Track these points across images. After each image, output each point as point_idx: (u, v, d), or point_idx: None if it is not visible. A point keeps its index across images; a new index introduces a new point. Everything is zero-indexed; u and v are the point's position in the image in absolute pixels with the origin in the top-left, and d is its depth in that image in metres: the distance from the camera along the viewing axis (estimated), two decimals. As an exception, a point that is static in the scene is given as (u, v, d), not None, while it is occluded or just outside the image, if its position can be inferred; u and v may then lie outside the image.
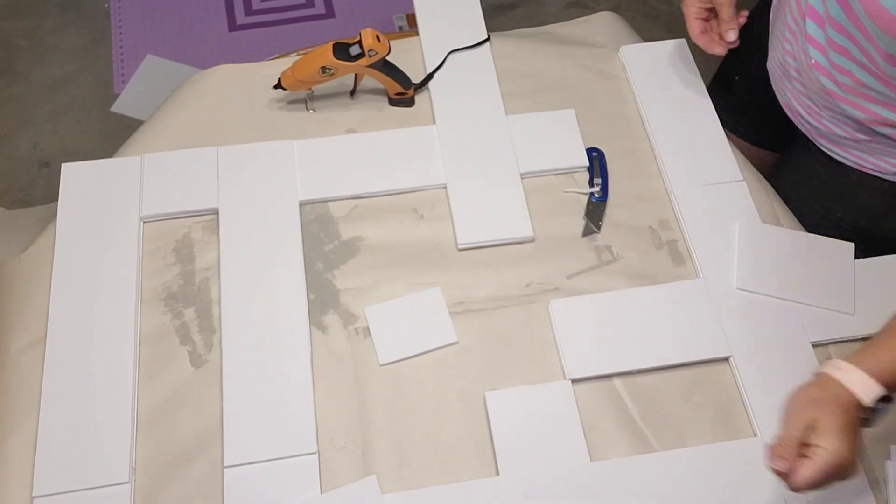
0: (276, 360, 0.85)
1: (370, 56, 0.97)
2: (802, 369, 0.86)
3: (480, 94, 1.05)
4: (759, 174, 1.03)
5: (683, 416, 0.85)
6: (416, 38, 1.12)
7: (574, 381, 0.85)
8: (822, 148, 0.97)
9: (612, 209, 0.98)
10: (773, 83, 1.01)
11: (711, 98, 1.06)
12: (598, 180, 1.00)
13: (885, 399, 0.70)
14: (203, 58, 1.95)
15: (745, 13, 0.98)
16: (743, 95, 1.13)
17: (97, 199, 0.95)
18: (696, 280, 0.93)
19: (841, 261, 0.94)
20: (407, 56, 1.10)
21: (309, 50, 1.13)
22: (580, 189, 1.00)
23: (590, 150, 1.02)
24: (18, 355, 0.86)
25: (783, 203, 1.01)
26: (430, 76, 1.06)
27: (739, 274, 0.92)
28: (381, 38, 0.96)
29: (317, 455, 0.80)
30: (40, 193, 1.67)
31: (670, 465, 0.81)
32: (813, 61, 0.87)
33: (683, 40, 1.11)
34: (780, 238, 0.95)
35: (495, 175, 0.99)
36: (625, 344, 0.88)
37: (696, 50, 1.03)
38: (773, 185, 1.02)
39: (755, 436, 0.83)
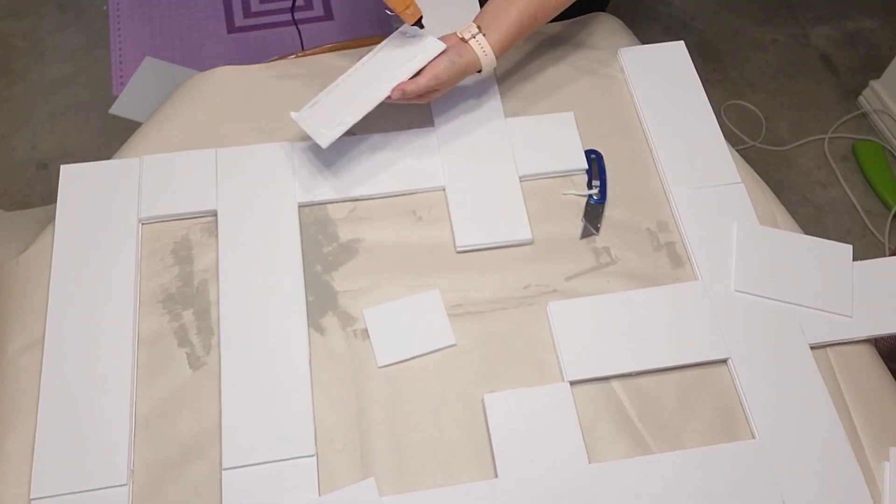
0: (274, 362, 0.85)
1: None
2: (801, 371, 0.87)
3: (479, 96, 1.06)
4: (756, 176, 1.03)
5: (681, 418, 0.85)
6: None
7: (572, 383, 0.85)
8: None
9: (611, 211, 0.99)
10: None
11: None
12: (596, 182, 1.00)
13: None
14: (202, 60, 1.95)
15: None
16: None
17: (96, 200, 0.95)
18: (695, 282, 0.93)
19: (839, 263, 0.94)
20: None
21: (309, 51, 1.14)
22: (579, 191, 1.00)
23: (588, 153, 1.02)
24: (16, 356, 0.86)
25: (781, 205, 1.02)
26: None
27: (738, 276, 0.92)
28: None
29: (315, 457, 0.80)
30: (38, 195, 1.67)
31: (669, 467, 0.81)
32: None
33: (682, 42, 1.12)
34: (779, 240, 0.96)
35: (494, 178, 0.99)
36: (623, 346, 0.88)
37: (694, 52, 1.04)
38: None
39: (753, 438, 0.83)
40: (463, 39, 0.96)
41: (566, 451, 0.81)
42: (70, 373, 0.84)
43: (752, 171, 1.04)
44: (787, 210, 1.02)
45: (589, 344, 0.88)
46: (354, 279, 0.92)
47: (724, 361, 0.88)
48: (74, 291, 0.89)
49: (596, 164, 1.01)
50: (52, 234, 0.93)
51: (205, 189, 0.96)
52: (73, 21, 1.96)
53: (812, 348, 0.88)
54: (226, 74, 1.08)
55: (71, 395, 0.83)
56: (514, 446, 0.81)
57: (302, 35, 1.43)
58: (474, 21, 0.97)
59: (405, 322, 0.89)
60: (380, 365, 0.87)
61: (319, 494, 0.79)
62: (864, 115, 1.82)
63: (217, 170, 0.98)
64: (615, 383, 0.87)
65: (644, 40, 1.16)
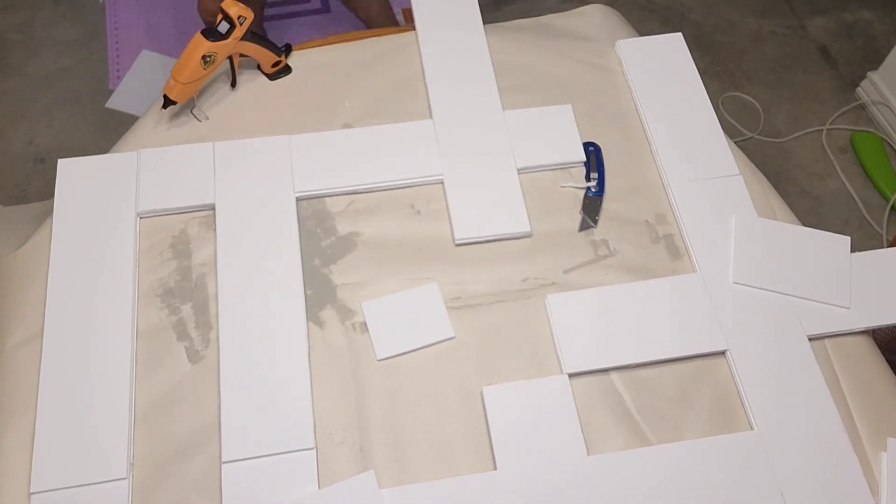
0: (273, 356, 0.85)
1: (241, 23, 0.97)
2: (799, 363, 0.87)
3: (477, 89, 1.05)
4: (754, 168, 1.03)
5: (680, 409, 0.85)
6: (412, 32, 1.12)
7: (571, 375, 0.85)
8: None
9: (609, 203, 0.99)
10: None
11: None
12: (594, 175, 1.00)
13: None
14: (198, 53, 1.94)
15: None
16: None
17: (93, 194, 0.95)
18: (693, 274, 0.93)
19: (837, 255, 0.94)
20: (404, 50, 1.10)
21: (306, 44, 1.13)
22: (577, 184, 1.00)
23: (586, 145, 1.02)
24: (15, 351, 0.86)
25: (779, 197, 1.02)
26: (288, 45, 1.05)
27: (736, 268, 0.92)
28: (240, 3, 0.97)
29: (315, 450, 0.81)
30: (36, 189, 1.67)
31: (667, 458, 0.81)
32: None
33: (680, 34, 1.11)
34: (777, 232, 0.96)
35: (492, 170, 0.99)
36: (622, 338, 0.88)
37: (692, 44, 1.03)
38: None
39: (752, 429, 0.84)
40: None
41: (565, 443, 0.81)
42: (69, 367, 0.84)
43: (750, 163, 1.04)
44: (786, 202, 1.02)
45: (587, 336, 0.88)
46: (353, 272, 0.92)
47: (723, 353, 0.88)
48: (73, 286, 0.89)
49: (594, 157, 1.01)
50: (49, 228, 0.93)
51: (203, 183, 0.96)
52: (68, 14, 1.95)
53: (810, 339, 0.89)
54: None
55: (70, 389, 0.83)
56: (513, 438, 0.82)
57: (298, 29, 1.43)
58: None
59: (404, 315, 0.89)
60: (379, 358, 0.87)
61: (319, 487, 0.79)
62: (863, 107, 1.82)
63: (215, 163, 0.97)
64: (614, 375, 0.87)
65: (642, 32, 1.16)
